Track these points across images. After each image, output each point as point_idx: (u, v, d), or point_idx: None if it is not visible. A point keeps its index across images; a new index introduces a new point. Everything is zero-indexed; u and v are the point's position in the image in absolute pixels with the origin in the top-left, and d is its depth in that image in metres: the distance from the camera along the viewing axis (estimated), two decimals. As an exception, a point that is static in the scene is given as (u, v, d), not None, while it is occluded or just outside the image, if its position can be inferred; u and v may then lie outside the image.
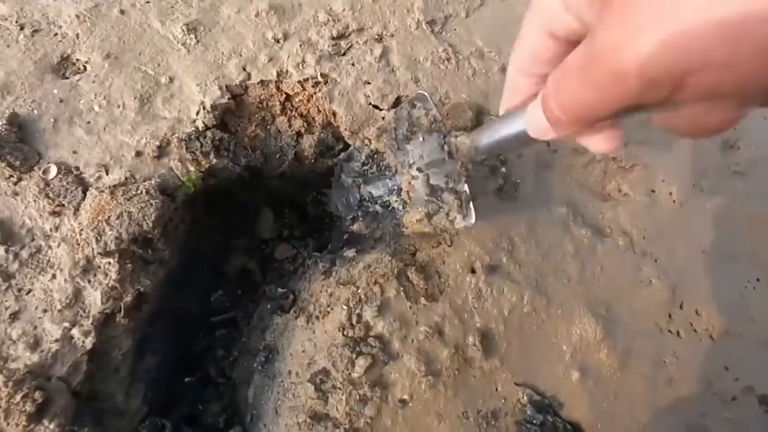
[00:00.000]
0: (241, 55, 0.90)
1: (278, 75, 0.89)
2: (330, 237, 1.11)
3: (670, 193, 1.00)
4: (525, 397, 0.77)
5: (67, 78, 0.82)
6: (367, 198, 0.86)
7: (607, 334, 0.83)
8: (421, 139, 0.71)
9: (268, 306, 0.96)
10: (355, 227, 0.89)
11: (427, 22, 1.00)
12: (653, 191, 1.01)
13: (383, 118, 0.82)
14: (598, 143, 0.34)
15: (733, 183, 1.05)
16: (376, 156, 0.80)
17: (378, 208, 0.83)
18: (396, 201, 0.77)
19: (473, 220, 0.67)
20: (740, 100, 0.23)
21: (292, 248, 1.10)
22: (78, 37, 0.85)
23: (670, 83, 0.22)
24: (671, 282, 0.92)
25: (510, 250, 0.86)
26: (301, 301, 0.91)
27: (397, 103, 0.92)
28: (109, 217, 0.71)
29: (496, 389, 0.78)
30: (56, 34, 0.85)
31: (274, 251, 1.09)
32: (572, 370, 0.81)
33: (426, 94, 0.71)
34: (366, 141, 0.82)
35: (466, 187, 0.67)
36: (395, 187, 0.77)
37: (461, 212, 0.68)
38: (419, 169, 0.72)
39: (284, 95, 0.90)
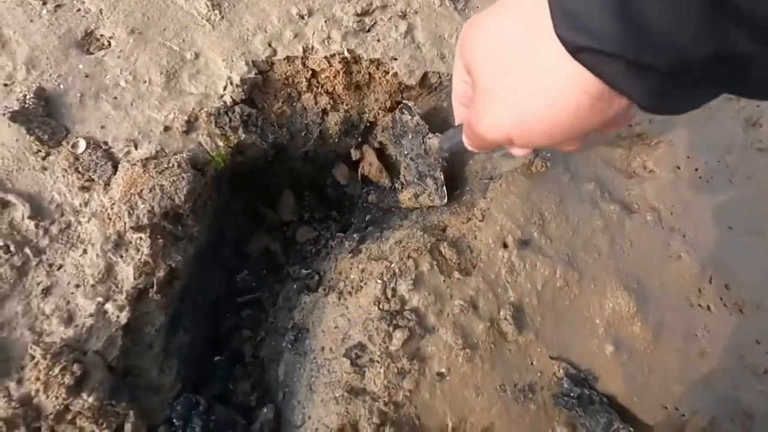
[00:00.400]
0: (266, 31, 0.88)
1: (304, 51, 0.88)
2: (350, 218, 1.11)
3: (696, 170, 1.00)
4: (561, 371, 0.77)
5: (91, 53, 0.81)
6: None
7: (640, 308, 0.83)
8: (410, 136, 0.93)
9: (294, 286, 0.95)
10: (370, 198, 1.04)
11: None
12: (678, 167, 1.00)
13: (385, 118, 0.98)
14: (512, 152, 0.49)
15: (757, 159, 1.05)
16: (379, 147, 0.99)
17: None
18: (396, 182, 0.98)
19: (445, 200, 0.88)
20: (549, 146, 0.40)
21: (314, 230, 1.09)
22: (101, 13, 0.83)
23: (503, 141, 0.40)
24: (700, 257, 0.91)
25: (541, 224, 0.85)
26: (328, 280, 0.90)
27: (424, 78, 0.91)
28: (141, 191, 0.70)
29: (532, 363, 0.77)
30: (79, 10, 0.83)
31: (296, 233, 1.08)
32: (606, 343, 0.81)
33: (410, 104, 0.92)
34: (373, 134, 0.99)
35: (441, 175, 0.89)
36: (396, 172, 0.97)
37: (437, 194, 0.89)
38: (411, 159, 0.93)
39: (310, 71, 0.89)
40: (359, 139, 1.00)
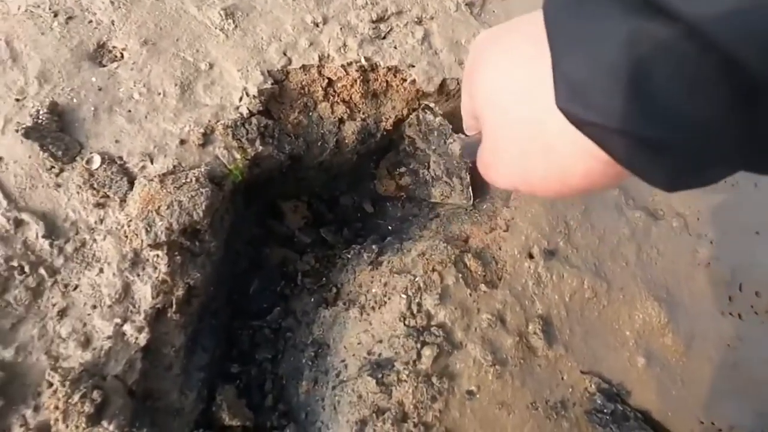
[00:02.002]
0: (280, 40, 0.86)
1: (320, 59, 0.86)
2: (364, 229, 1.08)
3: (721, 174, 0.98)
4: (593, 386, 0.74)
5: (104, 66, 0.79)
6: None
7: (671, 318, 0.80)
8: (435, 134, 0.95)
9: (311, 299, 0.93)
10: (402, 181, 1.04)
11: (465, 4, 0.97)
12: (702, 172, 0.98)
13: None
14: None
15: (782, 162, 1.02)
16: (410, 143, 1.00)
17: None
18: (427, 175, 0.99)
19: (471, 201, 0.90)
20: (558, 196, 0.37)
21: (327, 242, 1.07)
22: (113, 24, 0.82)
23: (512, 189, 0.39)
24: (729, 264, 0.89)
25: (566, 234, 0.83)
26: (346, 293, 0.87)
27: (442, 85, 0.89)
28: (159, 207, 0.67)
29: (563, 378, 0.75)
30: (91, 21, 0.81)
31: (309, 244, 1.06)
32: (637, 356, 0.78)
33: (431, 104, 0.93)
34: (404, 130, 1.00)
35: (467, 176, 0.91)
36: (425, 163, 0.99)
37: (464, 195, 0.91)
38: (439, 155, 0.94)
39: (326, 80, 0.87)
40: (375, 159, 1.01)
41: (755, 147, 0.24)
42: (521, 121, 0.32)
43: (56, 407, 0.55)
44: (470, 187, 0.90)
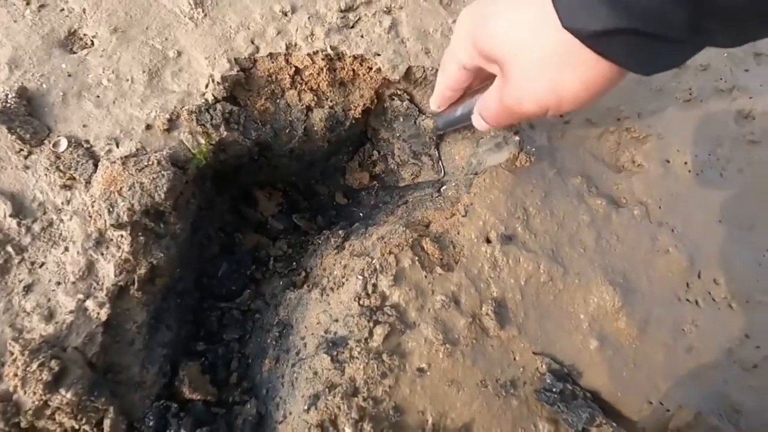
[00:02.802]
0: (249, 29, 0.88)
1: (287, 48, 0.88)
2: (338, 216, 1.11)
3: (685, 163, 0.99)
4: (544, 366, 0.76)
5: (74, 53, 0.82)
6: None
7: (625, 303, 0.82)
8: (401, 120, 0.97)
9: (281, 282, 0.95)
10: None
11: (435, -6, 0.99)
12: (668, 161, 0.99)
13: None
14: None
15: (749, 152, 1.03)
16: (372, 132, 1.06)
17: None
18: (392, 163, 1.04)
19: (443, 173, 0.95)
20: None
21: (300, 228, 1.09)
22: (85, 12, 0.84)
23: (537, 112, 0.48)
24: (688, 251, 0.90)
25: (525, 219, 0.85)
26: (314, 276, 0.90)
27: (408, 73, 0.91)
28: (120, 188, 0.70)
29: (514, 358, 0.77)
30: (62, 9, 0.84)
31: (282, 230, 1.09)
32: (590, 339, 0.80)
33: (399, 91, 0.96)
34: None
35: (435, 152, 0.96)
36: (389, 152, 1.04)
37: (434, 169, 0.97)
38: (404, 140, 0.98)
39: (294, 68, 0.89)
40: (349, 151, 1.04)
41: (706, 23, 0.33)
42: (542, 49, 0.41)
43: (15, 375, 0.58)
44: (441, 161, 0.95)
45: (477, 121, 0.63)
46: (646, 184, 0.96)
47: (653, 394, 0.79)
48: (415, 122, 0.96)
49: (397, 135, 0.99)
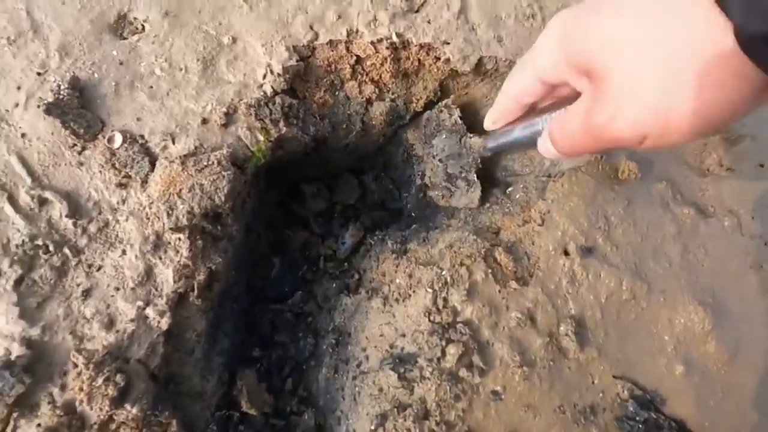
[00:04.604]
0: (307, 12, 0.81)
1: (348, 34, 0.81)
2: (392, 215, 1.05)
3: (783, 169, 0.89)
4: (626, 392, 0.71)
5: (125, 38, 0.76)
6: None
7: (715, 325, 0.75)
8: (444, 136, 0.88)
9: (333, 285, 0.91)
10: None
11: (508, -26, 0.89)
12: (761, 165, 0.89)
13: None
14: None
15: None
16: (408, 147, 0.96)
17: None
18: (419, 182, 0.94)
19: (475, 204, 0.85)
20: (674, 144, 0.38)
21: (353, 227, 1.04)
22: (134, -7, 0.78)
23: (637, 140, 0.37)
24: (784, 268, 0.82)
25: (606, 230, 0.77)
26: (369, 281, 0.85)
27: (479, 64, 0.82)
28: (180, 190, 0.65)
29: (593, 382, 0.71)
30: (111, -10, 0.78)
31: (336, 229, 1.04)
32: (676, 363, 0.74)
33: (450, 102, 0.88)
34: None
35: (474, 176, 0.86)
36: (420, 172, 0.94)
37: (467, 197, 0.85)
38: (440, 160, 0.89)
39: (355, 57, 0.81)
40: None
41: None
42: (664, 59, 0.33)
43: (81, 389, 0.56)
44: (478, 189, 0.85)
45: (544, 145, 0.50)
46: (736, 191, 0.87)
47: (743, 425, 0.72)
48: (460, 140, 0.87)
49: (435, 153, 0.89)
